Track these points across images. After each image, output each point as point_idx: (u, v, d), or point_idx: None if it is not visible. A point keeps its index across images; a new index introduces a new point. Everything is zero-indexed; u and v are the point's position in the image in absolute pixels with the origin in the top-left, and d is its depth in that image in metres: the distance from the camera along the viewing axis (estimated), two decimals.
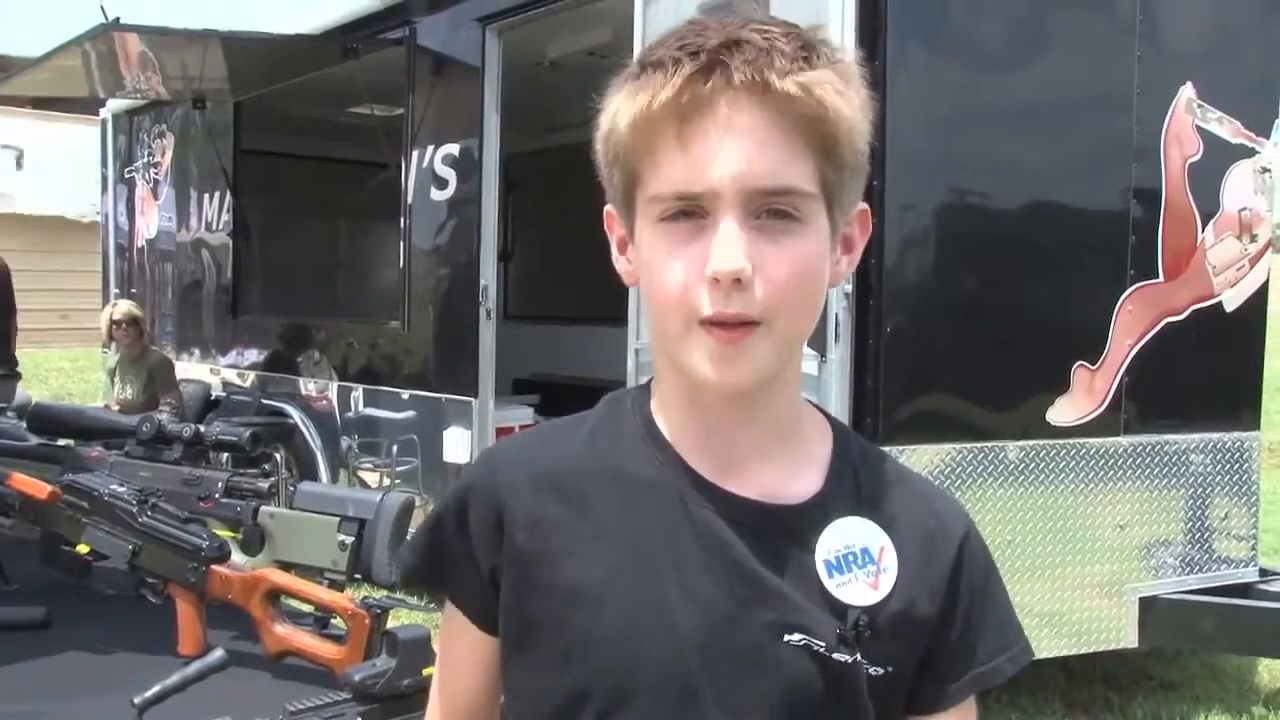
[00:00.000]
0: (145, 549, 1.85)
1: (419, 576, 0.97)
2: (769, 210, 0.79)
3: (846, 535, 0.85)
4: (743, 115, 0.77)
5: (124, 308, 6.12)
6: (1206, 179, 3.87)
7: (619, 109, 0.82)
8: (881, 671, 0.83)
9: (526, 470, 0.90)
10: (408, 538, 0.99)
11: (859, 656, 0.82)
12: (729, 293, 0.78)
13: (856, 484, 0.89)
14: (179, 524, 1.85)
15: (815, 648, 0.82)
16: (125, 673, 1.72)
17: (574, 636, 0.85)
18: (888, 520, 0.87)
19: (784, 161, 0.79)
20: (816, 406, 0.95)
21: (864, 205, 0.88)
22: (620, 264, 0.91)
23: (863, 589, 0.84)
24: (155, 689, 1.24)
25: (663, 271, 0.81)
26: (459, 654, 0.96)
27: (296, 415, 5.75)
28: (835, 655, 0.82)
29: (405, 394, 5.11)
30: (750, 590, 0.83)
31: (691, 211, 0.79)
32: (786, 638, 0.82)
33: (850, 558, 0.85)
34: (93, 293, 8.99)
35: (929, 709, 0.88)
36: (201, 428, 2.10)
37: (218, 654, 1.27)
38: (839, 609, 0.83)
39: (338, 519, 1.87)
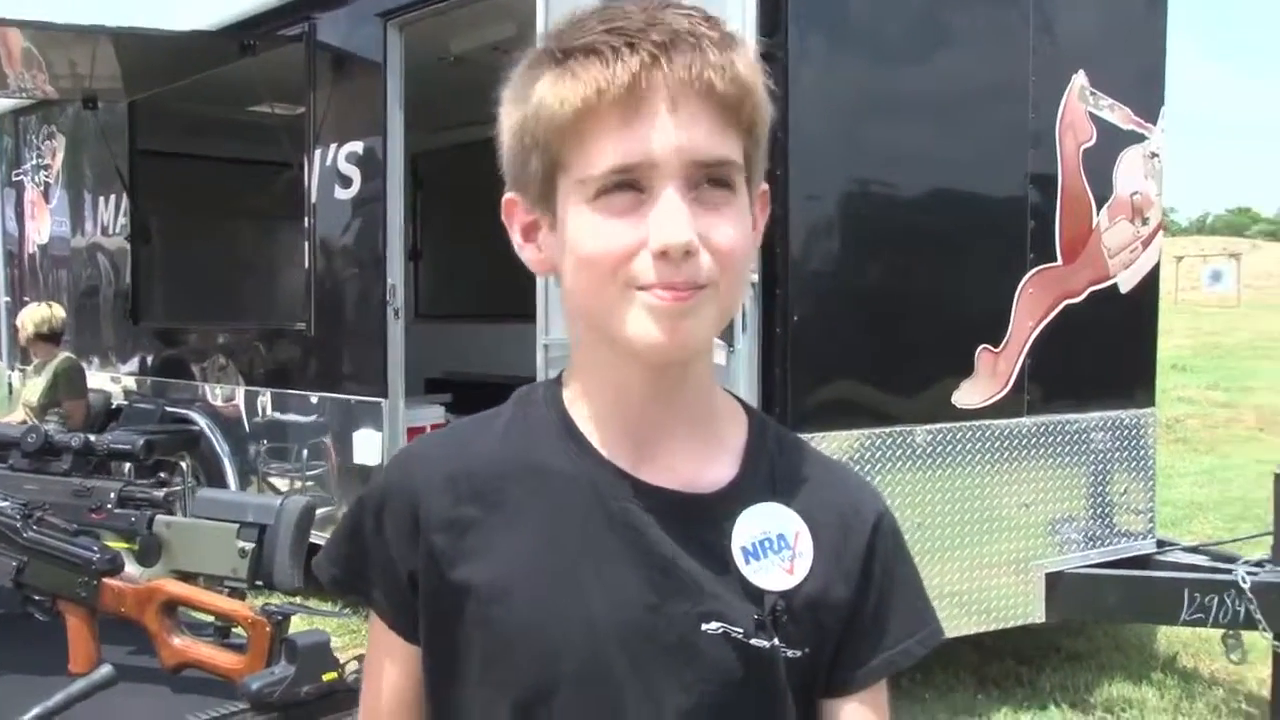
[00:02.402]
0: (31, 565, 1.77)
1: (342, 585, 0.94)
2: (707, 180, 0.80)
3: (762, 521, 0.86)
4: (682, 99, 0.79)
5: (43, 314, 5.84)
6: (1100, 164, 3.99)
7: (545, 95, 0.81)
8: (799, 654, 0.84)
9: (441, 469, 0.89)
10: (325, 543, 0.96)
11: (777, 641, 0.83)
12: (678, 264, 0.78)
13: (772, 470, 0.89)
14: (67, 537, 1.78)
15: (733, 635, 0.83)
16: (12, 696, 1.65)
17: (493, 633, 0.85)
18: (803, 505, 0.88)
19: (718, 134, 0.81)
20: (732, 394, 0.95)
21: (764, 186, 0.89)
22: (527, 252, 0.89)
23: (779, 574, 0.85)
24: (36, 710, 1.19)
25: (597, 242, 0.81)
26: (383, 663, 0.94)
27: (202, 422, 5.61)
28: (753, 641, 0.83)
29: (314, 397, 5.02)
30: (667, 580, 0.83)
31: (628, 185, 0.80)
32: (704, 627, 0.83)
33: (766, 543, 0.85)
34: None
35: (841, 691, 0.89)
36: (92, 437, 2.02)
37: (104, 670, 1.22)
38: (756, 595, 0.84)
39: (237, 525, 1.82)
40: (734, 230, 0.82)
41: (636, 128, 0.79)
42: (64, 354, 5.88)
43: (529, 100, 0.83)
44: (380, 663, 0.94)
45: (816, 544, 0.87)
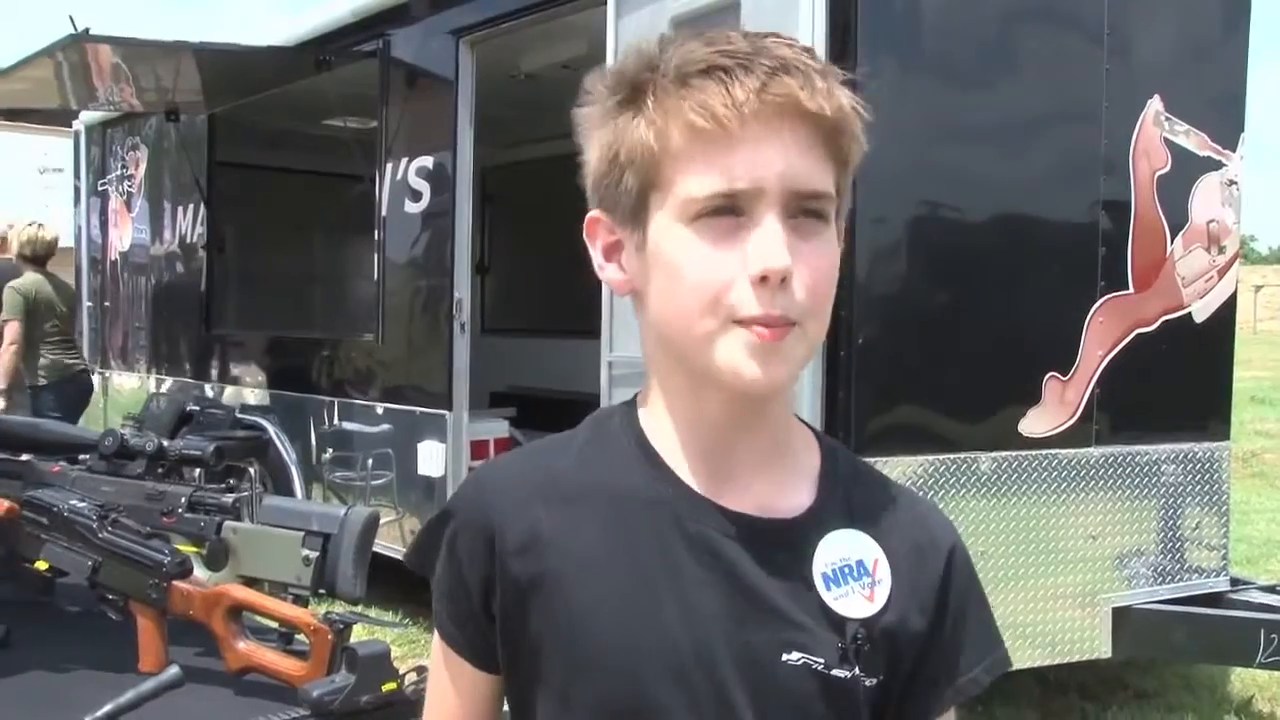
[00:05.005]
0: (105, 565, 1.83)
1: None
2: (803, 211, 0.81)
3: (841, 547, 0.86)
4: (788, 124, 0.80)
5: (29, 234, 6.32)
6: (1175, 191, 3.91)
7: (648, 113, 0.82)
8: (876, 683, 0.84)
9: (516, 492, 0.89)
10: (413, 541, 0.96)
11: (858, 671, 0.83)
12: (775, 291, 0.79)
13: (848, 496, 0.89)
14: (140, 539, 1.83)
15: (814, 666, 0.82)
16: (85, 691, 1.69)
17: (575, 661, 0.84)
18: (879, 532, 0.87)
19: (818, 167, 0.81)
20: (802, 420, 0.95)
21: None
22: (608, 271, 0.89)
23: (859, 601, 0.85)
24: (107, 708, 1.22)
25: (698, 269, 0.81)
26: (446, 688, 0.93)
27: (271, 429, 5.71)
28: (835, 672, 0.83)
29: (380, 407, 5.09)
30: (749, 606, 0.83)
31: (729, 210, 0.80)
32: (785, 656, 0.82)
33: (846, 570, 0.85)
34: None
35: None
36: (165, 442, 2.08)
37: (172, 671, 1.25)
38: (837, 622, 0.84)
39: (302, 534, 1.85)
40: (824, 263, 0.82)
41: (742, 152, 0.79)
42: (36, 273, 6.29)
43: (622, 119, 0.83)
44: (443, 687, 0.94)
45: (894, 572, 0.86)
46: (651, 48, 0.84)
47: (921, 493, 3.36)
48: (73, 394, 6.39)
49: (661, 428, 0.89)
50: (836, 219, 0.85)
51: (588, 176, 0.88)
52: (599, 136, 0.86)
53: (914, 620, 0.86)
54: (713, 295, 0.80)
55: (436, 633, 0.93)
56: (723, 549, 0.84)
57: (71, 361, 6.42)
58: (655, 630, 0.83)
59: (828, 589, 0.84)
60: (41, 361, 6.26)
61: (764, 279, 0.78)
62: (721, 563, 0.84)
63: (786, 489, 0.88)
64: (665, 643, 0.83)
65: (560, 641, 0.85)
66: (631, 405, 0.92)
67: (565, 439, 0.93)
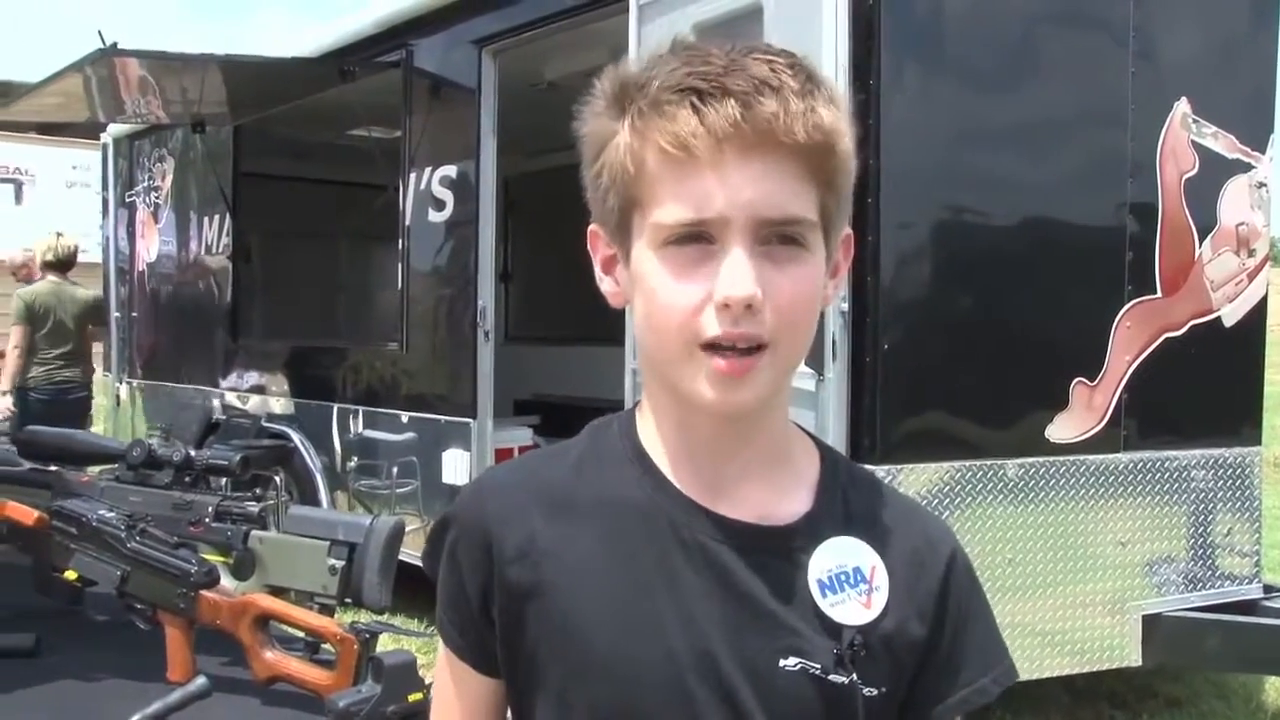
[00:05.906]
0: (134, 574, 1.83)
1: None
2: (776, 238, 0.80)
3: (838, 554, 0.86)
4: (758, 151, 0.79)
5: (49, 242, 6.65)
6: (1203, 194, 3.87)
7: (624, 136, 0.82)
8: (876, 693, 0.83)
9: (514, 500, 0.90)
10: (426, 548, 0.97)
11: (855, 677, 0.82)
12: (738, 317, 0.79)
13: (845, 503, 0.89)
14: (168, 549, 1.83)
15: (811, 671, 0.82)
16: (114, 700, 1.70)
17: (571, 668, 0.85)
18: (877, 539, 0.87)
19: (792, 193, 0.80)
20: (803, 429, 0.94)
21: (848, 230, 0.89)
22: (605, 284, 0.91)
23: (856, 608, 0.84)
24: (135, 718, 1.23)
25: (666, 295, 0.81)
26: (457, 699, 0.94)
27: (297, 438, 5.74)
28: (831, 677, 0.82)
29: (404, 416, 5.11)
30: (745, 613, 0.83)
31: (698, 237, 0.80)
32: (782, 662, 0.82)
33: (842, 577, 0.85)
34: None
35: None
36: (192, 452, 2.09)
37: (200, 681, 1.26)
38: (833, 629, 0.83)
39: (328, 543, 1.86)
40: (799, 288, 0.81)
41: (709, 180, 0.79)
42: (49, 281, 6.55)
43: (608, 138, 0.84)
44: (448, 692, 0.95)
45: (891, 579, 0.86)
46: (641, 62, 0.85)
47: (948, 499, 3.36)
48: (50, 407, 6.43)
49: (657, 437, 0.90)
50: (828, 238, 0.84)
51: (584, 189, 0.89)
52: (589, 153, 0.87)
53: (913, 627, 0.86)
54: (681, 320, 0.81)
55: (441, 639, 0.94)
56: (719, 557, 0.84)
57: (38, 375, 6.48)
58: (653, 638, 0.83)
59: (823, 595, 0.84)
60: (32, 367, 6.44)
61: (726, 306, 0.79)
62: (717, 570, 0.84)
63: (784, 496, 0.88)
64: (662, 650, 0.83)
65: (557, 648, 0.85)
66: (630, 415, 0.93)
67: (564, 448, 0.94)
